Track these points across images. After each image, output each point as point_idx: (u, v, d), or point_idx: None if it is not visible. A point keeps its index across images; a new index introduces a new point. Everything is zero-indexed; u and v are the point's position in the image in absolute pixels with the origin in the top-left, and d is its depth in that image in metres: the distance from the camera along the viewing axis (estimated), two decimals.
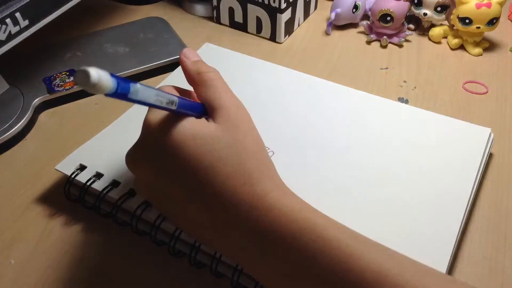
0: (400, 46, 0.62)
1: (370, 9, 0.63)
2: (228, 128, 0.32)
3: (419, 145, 0.43)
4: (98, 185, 0.40)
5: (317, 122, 0.46)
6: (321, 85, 0.50)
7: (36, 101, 0.51)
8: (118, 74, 0.55)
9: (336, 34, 0.64)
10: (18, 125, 0.49)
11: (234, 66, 0.53)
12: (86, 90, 0.23)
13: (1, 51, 0.44)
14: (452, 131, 0.45)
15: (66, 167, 0.42)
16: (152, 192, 0.35)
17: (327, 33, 0.64)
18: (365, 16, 0.66)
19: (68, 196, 0.42)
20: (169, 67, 0.57)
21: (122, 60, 0.57)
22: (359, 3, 0.63)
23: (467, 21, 0.57)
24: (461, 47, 0.61)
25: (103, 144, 0.44)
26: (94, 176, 0.41)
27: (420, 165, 0.42)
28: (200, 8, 0.68)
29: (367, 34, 0.63)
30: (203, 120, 0.32)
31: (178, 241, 0.37)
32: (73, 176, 0.41)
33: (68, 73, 0.54)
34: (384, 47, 0.62)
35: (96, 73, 0.22)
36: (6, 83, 0.53)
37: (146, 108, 0.49)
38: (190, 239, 0.36)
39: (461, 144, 0.44)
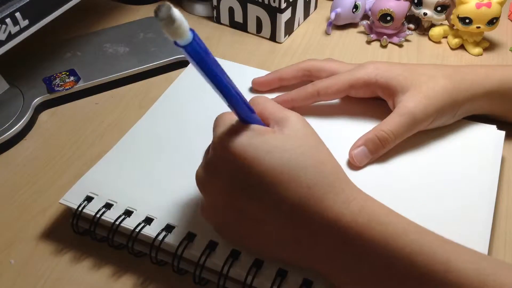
0: (400, 46, 0.62)
1: (370, 9, 0.63)
2: (299, 137, 0.31)
3: (434, 148, 0.43)
4: (110, 215, 0.37)
5: (320, 130, 0.45)
6: None
7: (36, 101, 0.51)
8: (118, 74, 0.55)
9: (336, 34, 0.64)
10: (18, 125, 0.49)
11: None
12: (164, 26, 0.23)
13: (1, 51, 0.44)
14: (463, 132, 0.44)
15: (72, 199, 0.39)
16: (224, 214, 0.33)
17: (327, 33, 0.64)
18: (365, 16, 0.66)
19: (76, 230, 0.39)
20: (169, 67, 0.57)
21: (122, 60, 0.57)
22: (359, 3, 0.63)
23: (467, 21, 0.57)
24: (461, 47, 0.61)
25: (109, 169, 0.41)
26: (103, 206, 0.38)
27: (439, 168, 0.41)
28: (200, 8, 0.68)
29: (367, 34, 0.63)
30: (273, 132, 0.32)
31: (203, 269, 0.35)
32: (80, 209, 0.38)
33: (68, 73, 0.54)
34: (384, 47, 0.62)
35: (178, 12, 0.23)
36: (6, 83, 0.53)
37: (153, 123, 0.48)
38: (215, 267, 0.34)
39: (476, 145, 0.43)
